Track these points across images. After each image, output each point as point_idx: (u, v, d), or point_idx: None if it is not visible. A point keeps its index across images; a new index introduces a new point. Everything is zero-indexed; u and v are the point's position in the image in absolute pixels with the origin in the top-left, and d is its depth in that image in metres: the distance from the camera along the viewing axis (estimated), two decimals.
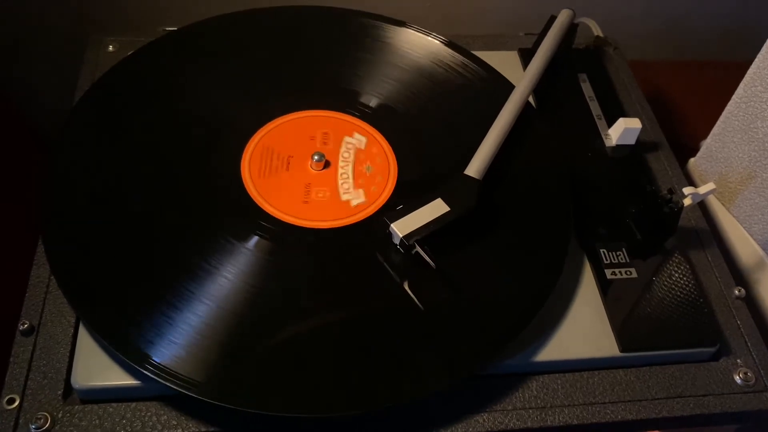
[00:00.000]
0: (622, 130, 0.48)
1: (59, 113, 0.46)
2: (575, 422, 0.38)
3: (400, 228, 0.39)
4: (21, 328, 0.38)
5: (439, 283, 0.39)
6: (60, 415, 0.36)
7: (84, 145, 0.43)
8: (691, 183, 0.53)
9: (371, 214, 0.42)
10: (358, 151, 0.43)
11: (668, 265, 0.43)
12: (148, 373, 0.34)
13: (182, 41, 0.50)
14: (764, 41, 0.45)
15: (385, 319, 0.38)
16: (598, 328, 0.40)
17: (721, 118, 0.50)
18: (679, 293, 0.42)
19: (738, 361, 0.41)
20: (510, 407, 0.38)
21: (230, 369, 0.35)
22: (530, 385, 0.39)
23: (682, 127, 0.65)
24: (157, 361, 0.34)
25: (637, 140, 0.49)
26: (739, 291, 0.44)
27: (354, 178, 0.42)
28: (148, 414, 0.36)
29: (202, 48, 0.49)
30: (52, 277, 0.40)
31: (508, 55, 0.56)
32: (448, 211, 0.40)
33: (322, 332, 0.37)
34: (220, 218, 0.41)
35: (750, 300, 0.47)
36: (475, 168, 0.42)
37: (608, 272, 0.42)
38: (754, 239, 0.48)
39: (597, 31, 0.58)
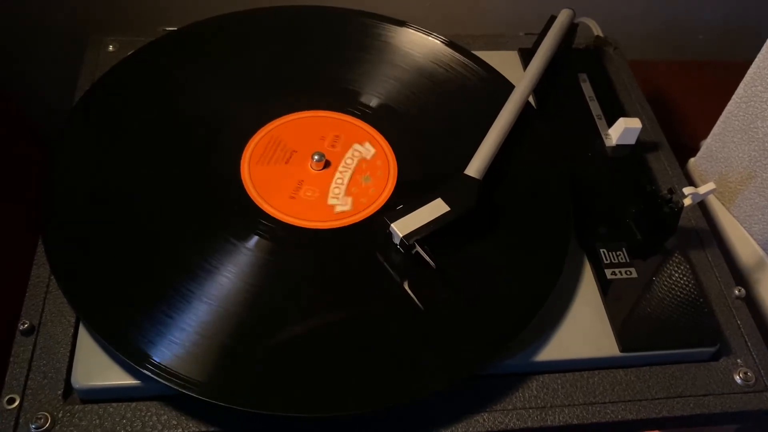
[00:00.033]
0: (622, 130, 0.48)
1: (59, 113, 0.46)
2: (575, 422, 0.38)
3: (400, 228, 0.39)
4: (21, 328, 0.38)
5: (439, 283, 0.39)
6: (60, 415, 0.36)
7: (84, 145, 0.43)
8: (691, 183, 0.53)
9: (355, 222, 0.41)
10: (362, 160, 0.43)
11: (668, 265, 0.43)
12: (148, 373, 0.34)
13: (182, 41, 0.50)
14: (764, 41, 0.45)
15: (385, 319, 0.38)
16: (598, 328, 0.40)
17: (721, 118, 0.50)
18: (679, 293, 0.42)
19: (738, 361, 0.41)
20: (510, 407, 0.38)
21: (230, 369, 0.35)
22: (530, 385, 0.39)
23: (682, 127, 0.65)
24: (157, 360, 0.34)
25: (637, 140, 0.49)
26: (739, 291, 0.44)
27: (348, 185, 0.42)
28: (149, 414, 0.36)
29: (202, 48, 0.49)
30: (52, 277, 0.40)
31: (508, 55, 0.56)
32: (448, 211, 0.40)
33: (323, 332, 0.37)
34: (220, 218, 0.41)
35: (750, 300, 0.47)
36: (475, 168, 0.42)
37: (608, 272, 0.42)
38: (754, 239, 0.48)
39: (597, 31, 0.58)
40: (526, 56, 0.53)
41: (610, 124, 0.50)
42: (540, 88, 0.50)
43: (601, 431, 0.39)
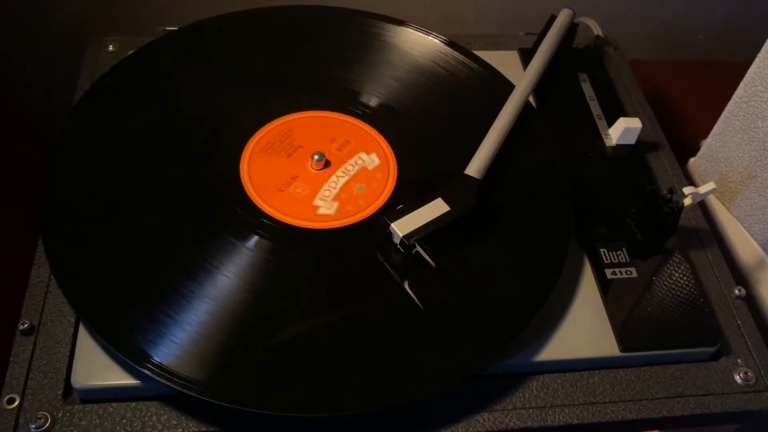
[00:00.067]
0: (622, 130, 0.48)
1: (59, 113, 0.46)
2: (575, 422, 0.38)
3: (401, 227, 0.39)
4: (21, 327, 0.38)
5: (439, 283, 0.39)
6: (60, 415, 0.36)
7: (84, 145, 0.43)
8: (692, 183, 0.53)
9: (337, 227, 0.41)
10: (363, 169, 0.42)
11: (668, 265, 0.43)
12: (148, 373, 0.34)
13: (182, 41, 0.50)
14: (764, 41, 0.45)
15: (385, 319, 0.38)
16: (598, 327, 0.40)
17: (722, 117, 0.50)
18: (679, 293, 0.42)
19: (738, 360, 0.41)
20: (510, 407, 0.38)
21: (230, 369, 0.35)
22: (530, 385, 0.39)
23: (682, 127, 0.65)
24: (157, 360, 0.34)
25: (638, 140, 0.49)
26: (740, 291, 0.44)
27: (340, 191, 0.42)
28: (148, 414, 0.36)
29: (202, 48, 0.49)
30: (52, 277, 0.40)
31: (508, 55, 0.56)
32: (448, 211, 0.40)
33: (323, 332, 0.37)
34: (220, 218, 0.41)
35: (750, 300, 0.47)
36: (475, 168, 0.42)
37: (608, 272, 0.42)
38: (755, 239, 0.48)
39: (597, 30, 0.58)
40: (526, 56, 0.53)
41: (610, 124, 0.50)
42: (540, 88, 0.50)
43: (601, 431, 0.39)
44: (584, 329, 0.40)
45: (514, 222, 0.43)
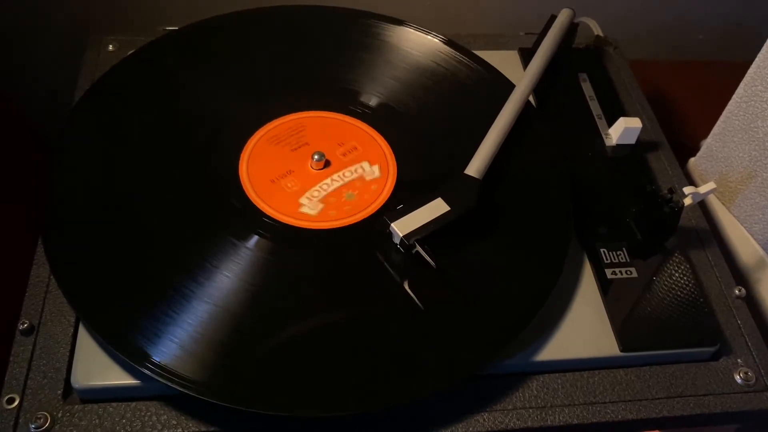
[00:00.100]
0: (622, 130, 0.48)
1: (59, 113, 0.46)
2: (575, 422, 0.38)
3: (401, 227, 0.39)
4: (21, 327, 0.38)
5: (439, 283, 0.39)
6: (60, 415, 0.36)
7: (84, 145, 0.43)
8: (692, 182, 0.53)
9: (313, 228, 0.41)
10: (359, 178, 0.42)
11: (668, 265, 0.43)
12: (148, 373, 0.34)
13: (182, 41, 0.50)
14: (764, 41, 0.45)
15: (385, 318, 0.38)
16: (598, 327, 0.40)
17: (722, 117, 0.50)
18: (679, 293, 0.42)
19: (738, 360, 0.41)
20: (510, 407, 0.38)
21: (230, 368, 0.35)
22: (530, 385, 0.39)
23: (682, 126, 0.65)
24: (157, 360, 0.34)
25: (638, 140, 0.49)
26: (740, 290, 0.44)
27: (329, 194, 0.42)
28: (148, 413, 0.36)
29: (202, 48, 0.49)
30: (52, 277, 0.40)
31: (508, 55, 0.56)
32: (448, 211, 0.40)
33: (322, 332, 0.37)
34: (220, 218, 0.41)
35: (750, 299, 0.47)
36: (475, 167, 0.42)
37: (608, 272, 0.42)
38: (755, 239, 0.48)
39: (597, 30, 0.58)
40: (526, 56, 0.53)
41: (610, 123, 0.50)
42: (540, 87, 0.50)
43: (601, 431, 0.39)
44: (584, 329, 0.40)
45: (514, 222, 0.43)
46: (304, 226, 0.41)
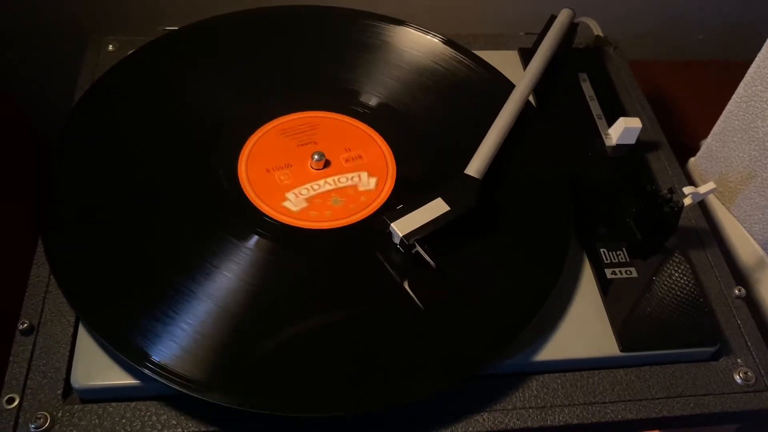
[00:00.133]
0: (622, 130, 0.48)
1: (59, 113, 0.46)
2: (575, 422, 0.38)
3: (400, 227, 0.39)
4: (21, 327, 0.38)
5: (439, 283, 0.39)
6: (60, 415, 0.36)
7: (84, 144, 0.43)
8: (691, 182, 0.53)
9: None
10: (352, 187, 0.42)
11: (668, 265, 0.43)
12: (148, 373, 0.34)
13: (182, 41, 0.50)
14: (764, 41, 0.45)
15: (385, 318, 0.38)
16: (598, 327, 0.40)
17: (722, 117, 0.50)
18: (679, 293, 0.42)
19: (738, 360, 0.41)
20: (510, 407, 0.38)
21: (230, 368, 0.35)
22: (530, 385, 0.39)
23: (682, 126, 0.65)
24: (157, 360, 0.34)
25: (637, 140, 0.49)
26: (740, 290, 0.44)
27: (317, 195, 0.42)
28: (148, 413, 0.36)
29: (202, 48, 0.49)
30: (52, 277, 0.40)
31: (508, 55, 0.56)
32: (448, 211, 0.40)
33: (322, 332, 0.37)
34: (220, 217, 0.41)
35: (750, 299, 0.47)
36: (475, 167, 0.42)
37: (608, 272, 0.42)
38: (755, 239, 0.48)
39: (597, 30, 0.58)
40: (526, 56, 0.53)
41: (610, 123, 0.50)
42: (540, 87, 0.50)
43: (601, 431, 0.39)
44: (584, 329, 0.40)
45: (514, 222, 0.43)
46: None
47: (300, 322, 0.37)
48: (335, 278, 0.39)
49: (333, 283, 0.39)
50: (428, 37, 0.51)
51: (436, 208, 0.40)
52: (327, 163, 0.44)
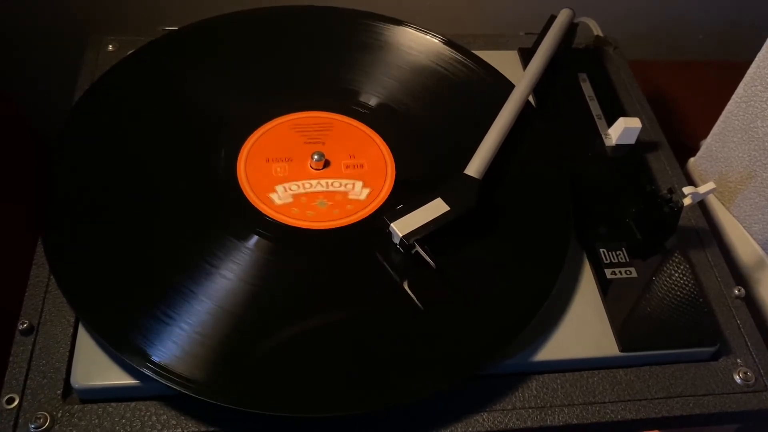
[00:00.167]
0: (622, 130, 0.48)
1: (59, 113, 0.46)
2: (575, 422, 0.38)
3: (400, 227, 0.39)
4: (20, 327, 0.38)
5: (439, 283, 0.39)
6: (59, 415, 0.36)
7: (84, 144, 0.43)
8: (691, 182, 0.53)
9: (336, 227, 0.41)
10: (343, 193, 0.42)
11: (668, 265, 0.43)
12: (148, 373, 0.34)
13: (182, 41, 0.50)
14: (764, 41, 0.45)
15: (385, 318, 0.38)
16: (598, 327, 0.40)
17: (721, 117, 0.50)
18: (679, 293, 0.42)
19: (738, 360, 0.41)
20: (510, 407, 0.38)
21: (230, 368, 0.35)
22: (530, 385, 0.39)
23: (682, 126, 0.66)
24: (157, 360, 0.34)
25: (637, 140, 0.49)
26: (739, 290, 0.44)
27: (304, 193, 0.42)
28: (148, 413, 0.36)
29: (202, 48, 0.49)
30: (52, 277, 0.40)
31: (508, 55, 0.56)
32: (448, 211, 0.40)
33: (322, 332, 0.37)
34: (220, 218, 0.41)
35: (750, 299, 0.47)
36: (475, 167, 0.42)
37: (608, 272, 0.42)
38: (754, 239, 0.48)
39: (597, 30, 0.58)
40: (526, 56, 0.53)
41: (610, 123, 0.50)
42: (540, 87, 0.50)
43: (601, 431, 0.39)
44: (584, 329, 0.40)
45: (513, 222, 0.43)
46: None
47: (300, 322, 0.37)
48: (335, 278, 0.39)
49: (333, 283, 0.39)
50: (428, 37, 0.51)
51: (436, 208, 0.40)
52: (327, 164, 0.44)
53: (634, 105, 0.54)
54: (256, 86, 0.48)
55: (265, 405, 0.34)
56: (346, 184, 0.43)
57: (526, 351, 0.39)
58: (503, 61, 0.53)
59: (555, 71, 0.52)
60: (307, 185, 0.42)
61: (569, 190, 0.44)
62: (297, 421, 0.36)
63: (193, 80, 0.47)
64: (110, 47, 0.53)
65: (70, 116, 0.44)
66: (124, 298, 0.37)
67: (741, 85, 0.48)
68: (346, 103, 0.47)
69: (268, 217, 0.41)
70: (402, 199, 0.41)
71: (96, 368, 0.36)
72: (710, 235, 0.47)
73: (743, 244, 0.49)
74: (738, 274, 0.49)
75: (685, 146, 0.56)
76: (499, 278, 0.40)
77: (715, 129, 0.51)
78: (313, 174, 0.43)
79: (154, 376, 0.34)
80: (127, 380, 0.36)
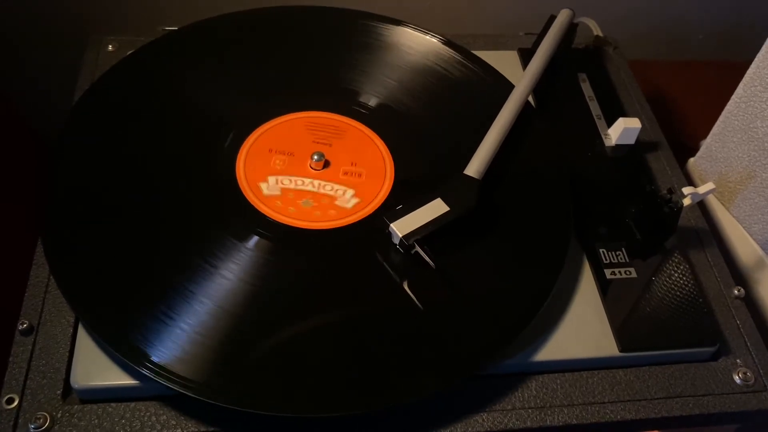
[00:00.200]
0: (621, 130, 0.48)
1: (59, 113, 0.46)
2: (575, 422, 0.38)
3: (400, 228, 0.39)
4: (20, 327, 0.38)
5: (439, 283, 0.39)
6: (59, 415, 0.36)
7: (83, 145, 0.43)
8: (691, 183, 0.53)
9: (336, 227, 0.41)
10: (330, 197, 0.42)
11: (668, 265, 0.43)
12: (147, 373, 0.34)
13: (182, 41, 0.50)
14: (764, 41, 0.45)
15: (385, 318, 0.38)
16: (597, 328, 0.40)
17: (721, 117, 0.50)
18: (678, 293, 0.42)
19: (737, 360, 0.41)
20: (510, 407, 0.38)
21: (229, 369, 0.35)
22: (530, 385, 0.39)
23: (682, 127, 0.65)
24: (156, 360, 0.34)
25: (637, 140, 0.49)
26: (739, 291, 0.44)
27: (293, 189, 0.42)
28: (147, 414, 0.36)
29: (202, 48, 0.49)
30: (52, 277, 0.40)
31: (508, 55, 0.56)
32: (448, 211, 0.40)
33: (322, 332, 0.37)
34: (220, 218, 0.41)
35: (749, 300, 0.47)
36: (474, 168, 0.42)
37: (608, 272, 0.42)
38: (754, 239, 0.48)
39: (597, 30, 0.58)
40: (526, 56, 0.53)
41: (609, 123, 0.50)
42: (540, 87, 0.50)
43: (600, 431, 0.39)
44: (584, 329, 0.40)
45: (513, 222, 0.43)
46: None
47: (300, 323, 0.37)
48: (335, 278, 0.39)
49: (333, 284, 0.39)
50: (428, 37, 0.51)
51: (436, 208, 0.40)
52: (326, 164, 0.44)
53: (633, 105, 0.54)
54: (256, 86, 0.48)
55: (265, 405, 0.34)
56: (337, 190, 0.43)
57: (526, 351, 0.39)
58: (503, 61, 0.53)
59: (555, 71, 0.52)
60: (299, 182, 0.43)
61: (569, 190, 0.44)
62: (297, 421, 0.36)
63: (193, 80, 0.48)
64: (110, 47, 0.53)
65: (70, 116, 0.44)
66: (123, 298, 0.37)
67: (741, 85, 0.48)
68: (345, 103, 0.47)
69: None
70: (402, 199, 0.41)
71: (96, 368, 0.36)
72: (710, 235, 0.47)
73: (743, 244, 0.49)
74: (738, 275, 0.49)
75: (685, 146, 0.56)
76: (498, 278, 0.40)
77: (715, 129, 0.51)
78: (310, 173, 0.43)
79: (154, 377, 0.34)
80: (127, 380, 0.36)
